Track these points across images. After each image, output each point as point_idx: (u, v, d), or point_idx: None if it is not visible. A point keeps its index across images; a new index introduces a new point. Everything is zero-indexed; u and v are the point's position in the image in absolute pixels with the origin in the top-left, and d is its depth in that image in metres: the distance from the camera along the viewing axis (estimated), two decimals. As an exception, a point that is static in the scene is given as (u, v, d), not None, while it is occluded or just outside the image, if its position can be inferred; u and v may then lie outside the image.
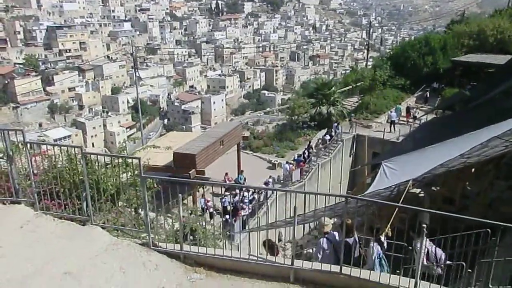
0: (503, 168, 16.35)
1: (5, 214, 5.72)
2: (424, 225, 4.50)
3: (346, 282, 4.98)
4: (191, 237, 6.14)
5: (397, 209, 8.42)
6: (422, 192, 18.37)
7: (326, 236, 7.07)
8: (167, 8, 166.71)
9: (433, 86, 34.28)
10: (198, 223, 6.51)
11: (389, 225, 7.77)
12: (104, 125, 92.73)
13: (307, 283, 5.11)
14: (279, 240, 20.96)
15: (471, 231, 5.65)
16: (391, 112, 30.00)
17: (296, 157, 26.05)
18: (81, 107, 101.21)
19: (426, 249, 7.38)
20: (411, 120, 29.91)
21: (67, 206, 5.82)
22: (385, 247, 7.80)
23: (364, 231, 7.75)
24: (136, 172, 5.95)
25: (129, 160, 6.39)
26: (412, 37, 44.87)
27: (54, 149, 5.66)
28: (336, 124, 28.61)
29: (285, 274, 5.15)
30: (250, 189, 21.58)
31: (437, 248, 7.19)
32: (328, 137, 28.00)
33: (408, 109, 30.93)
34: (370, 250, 7.30)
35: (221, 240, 7.28)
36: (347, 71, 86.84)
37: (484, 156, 10.26)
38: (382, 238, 7.78)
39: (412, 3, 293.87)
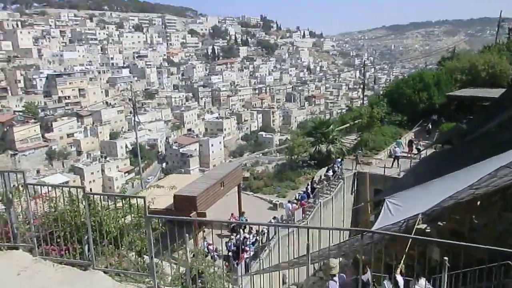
0: (509, 199, 16.11)
1: (1, 260, 5.45)
2: (446, 258, 4.26)
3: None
4: (199, 281, 5.84)
5: (408, 245, 8.14)
6: (428, 228, 18.02)
7: (333, 278, 6.80)
8: (164, 54, 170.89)
9: (432, 118, 34.47)
10: (204, 266, 6.22)
11: (402, 262, 7.46)
12: (102, 170, 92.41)
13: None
14: (284, 283, 20.29)
15: (484, 265, 5.41)
16: (395, 147, 29.91)
17: (299, 195, 25.78)
18: (79, 152, 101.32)
19: None
20: (414, 153, 29.87)
21: (67, 251, 5.56)
22: (401, 286, 7.46)
23: (376, 267, 7.46)
24: (140, 212, 5.74)
25: (132, 201, 6.20)
26: (405, 75, 45.66)
27: (55, 190, 5.48)
28: (339, 159, 28.53)
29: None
30: (252, 231, 21.14)
31: None
32: (331, 173, 27.84)
33: (410, 142, 31.02)
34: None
35: (229, 284, 6.94)
36: (343, 110, 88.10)
37: (493, 187, 10.09)
38: (398, 276, 7.44)
39: (402, 43, 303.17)
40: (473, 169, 13.77)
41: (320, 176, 28.46)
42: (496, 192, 16.08)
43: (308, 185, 27.09)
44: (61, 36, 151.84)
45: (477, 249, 5.36)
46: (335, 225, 28.75)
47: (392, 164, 28.49)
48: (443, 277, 4.46)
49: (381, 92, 52.54)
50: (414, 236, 5.10)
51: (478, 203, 17.59)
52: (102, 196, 5.96)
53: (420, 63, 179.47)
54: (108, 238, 5.62)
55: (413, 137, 32.64)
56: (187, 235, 4.88)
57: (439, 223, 18.49)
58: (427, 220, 16.05)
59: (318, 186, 26.70)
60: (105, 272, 5.41)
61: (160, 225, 5.71)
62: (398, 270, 7.14)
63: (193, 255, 6.69)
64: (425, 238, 4.97)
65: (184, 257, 6.75)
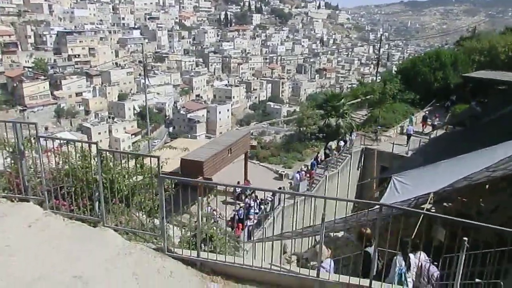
0: (518, 185, 15.94)
1: (13, 211, 5.41)
2: (465, 239, 4.14)
3: (375, 297, 4.63)
4: (210, 244, 5.81)
5: (419, 222, 8.06)
6: (433, 208, 17.96)
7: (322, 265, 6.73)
8: (176, 18, 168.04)
9: (451, 99, 33.92)
10: (214, 229, 6.19)
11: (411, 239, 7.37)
12: (110, 131, 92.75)
13: (333, 297, 4.76)
14: (284, 252, 20.53)
15: (490, 248, 5.34)
16: (408, 126, 29.60)
17: (309, 166, 26.11)
18: (87, 112, 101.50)
19: (420, 264, 7.03)
20: (428, 129, 29.72)
21: (78, 207, 5.51)
22: (413, 264, 7.35)
23: (381, 243, 7.39)
24: (151, 172, 5.64)
25: (144, 162, 6.10)
26: (421, 53, 44.59)
27: (67, 145, 5.37)
28: (352, 132, 29.16)
29: (309, 286, 4.81)
30: (257, 200, 21.23)
31: (432, 266, 6.86)
32: (342, 143, 28.42)
33: (424, 118, 30.75)
34: (394, 263, 6.93)
35: (238, 249, 6.94)
36: (353, 85, 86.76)
37: (510, 170, 9.91)
38: (411, 254, 7.28)
39: (419, 20, 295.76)
40: (487, 152, 13.56)
41: (331, 146, 28.65)
42: (504, 178, 15.91)
43: (318, 153, 27.38)
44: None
45: (482, 233, 5.27)
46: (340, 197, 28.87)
47: (407, 142, 28.32)
48: (460, 257, 4.35)
49: (394, 69, 51.59)
50: (431, 213, 4.99)
51: (487, 187, 17.46)
52: (114, 154, 5.85)
53: (436, 42, 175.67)
54: (119, 197, 5.56)
55: (427, 113, 32.31)
56: (199, 197, 4.79)
57: (445, 204, 18.43)
58: (435, 201, 15.99)
59: (335, 153, 27.25)
60: (115, 230, 5.38)
61: (172, 185, 5.61)
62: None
63: (206, 219, 6.65)
64: (443, 216, 4.83)
65: (192, 220, 6.73)
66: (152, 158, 5.20)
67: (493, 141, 14.26)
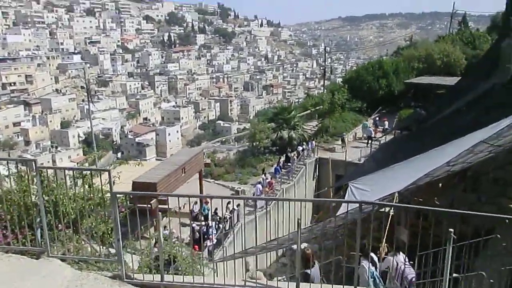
0: (469, 181, 16.52)
1: None
2: (451, 230, 3.91)
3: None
4: (172, 266, 5.20)
5: (389, 222, 7.90)
6: (392, 210, 18.16)
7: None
8: (118, 41, 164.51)
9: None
10: (177, 250, 5.60)
11: (384, 242, 7.18)
12: (54, 161, 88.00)
13: (315, 310, 4.33)
14: (247, 270, 19.91)
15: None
16: (369, 128, 30.63)
17: (275, 168, 26.77)
18: (27, 142, 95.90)
19: (395, 266, 6.94)
20: (379, 134, 30.66)
21: (16, 238, 4.74)
22: (379, 265, 7.20)
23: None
24: (101, 192, 4.98)
25: (93, 181, 5.43)
26: (364, 63, 46.32)
27: (-1, 166, 4.63)
28: (309, 140, 29.74)
29: (288, 301, 4.36)
30: (215, 219, 20.58)
31: (410, 268, 6.75)
32: (300, 148, 28.71)
33: (375, 123, 31.67)
34: (362, 269, 6.64)
35: (203, 268, 6.36)
36: (301, 99, 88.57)
37: (468, 163, 10.09)
38: (374, 256, 7.18)
39: (357, 34, 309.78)
40: (436, 152, 13.97)
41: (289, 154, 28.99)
42: (455, 175, 16.43)
43: (280, 159, 27.39)
44: (3, 18, 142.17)
45: (442, 230, 5.25)
46: (297, 211, 28.75)
47: (367, 144, 29.31)
48: (448, 250, 4.10)
49: (339, 81, 53.09)
50: (417, 207, 4.80)
51: (440, 185, 17.96)
52: (56, 172, 5.13)
53: (375, 54, 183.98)
54: (65, 222, 4.86)
55: (378, 119, 33.32)
56: (160, 213, 4.23)
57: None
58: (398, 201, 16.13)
59: (295, 158, 27.74)
60: (62, 260, 4.65)
61: (127, 203, 4.99)
62: (382, 250, 6.86)
63: (163, 240, 6.02)
64: (430, 208, 4.63)
65: (150, 243, 6.10)
66: (102, 174, 4.57)
67: (438, 142, 14.83)
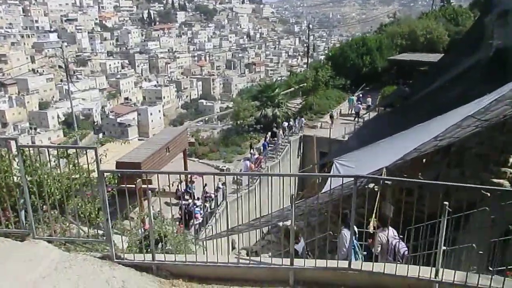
0: (453, 157, 16.73)
1: None
2: (446, 203, 3.90)
3: (356, 279, 4.24)
4: (162, 245, 5.11)
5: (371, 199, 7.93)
6: (376, 187, 18.37)
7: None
8: (96, 18, 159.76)
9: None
10: (166, 228, 5.49)
11: (374, 216, 7.19)
12: (33, 143, 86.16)
13: (310, 285, 4.30)
14: (233, 248, 20.04)
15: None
16: (357, 103, 31.04)
17: (263, 144, 27.02)
18: (4, 124, 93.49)
19: (386, 241, 7.02)
20: (363, 111, 30.98)
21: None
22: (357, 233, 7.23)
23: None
24: (86, 171, 4.79)
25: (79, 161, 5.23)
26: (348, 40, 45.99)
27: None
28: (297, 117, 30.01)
29: (282, 277, 4.32)
30: (200, 198, 20.59)
31: (400, 242, 6.83)
32: (286, 123, 28.94)
33: (359, 100, 31.92)
34: (342, 238, 6.69)
35: (194, 246, 6.29)
36: (283, 78, 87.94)
37: (455, 138, 10.16)
38: (355, 227, 7.23)
39: (340, 11, 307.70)
40: (420, 128, 14.08)
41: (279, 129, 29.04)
42: (438, 152, 16.61)
43: (266, 135, 27.85)
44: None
45: (425, 205, 5.33)
46: (283, 188, 28.87)
47: (354, 118, 29.88)
48: (442, 222, 4.10)
49: (322, 59, 52.82)
50: (410, 180, 4.75)
51: (424, 161, 18.17)
52: (39, 151, 4.90)
53: (357, 31, 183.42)
54: (51, 203, 4.68)
55: (361, 96, 33.48)
56: (149, 192, 4.10)
57: (386, 182, 18.94)
58: (374, 181, 16.31)
59: (281, 134, 27.87)
60: (48, 242, 4.50)
61: (115, 182, 4.83)
62: (371, 225, 6.89)
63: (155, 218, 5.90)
64: (424, 181, 4.61)
65: (138, 223, 5.99)
66: (88, 152, 4.38)
67: (423, 118, 14.93)
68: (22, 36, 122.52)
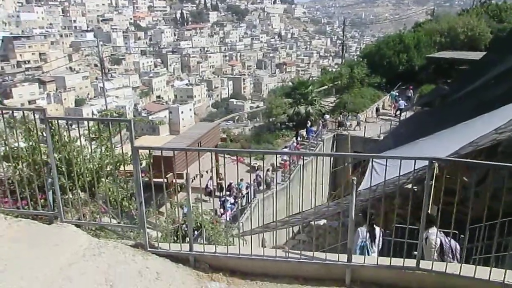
0: (499, 157, 15.63)
1: None
2: None
3: (424, 280, 3.63)
4: (198, 235, 4.64)
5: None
6: (415, 188, 17.46)
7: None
8: (130, 18, 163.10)
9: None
10: (204, 218, 5.02)
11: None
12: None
13: (368, 285, 3.72)
14: (263, 247, 19.50)
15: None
16: (399, 99, 30.10)
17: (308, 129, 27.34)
18: (42, 120, 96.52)
19: (439, 241, 6.57)
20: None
21: (25, 200, 4.19)
22: (378, 238, 6.69)
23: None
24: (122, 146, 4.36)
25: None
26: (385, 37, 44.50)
27: (3, 119, 4.03)
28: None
29: (338, 275, 3.75)
30: (232, 193, 20.29)
31: (451, 239, 6.27)
32: (327, 116, 28.96)
33: (395, 99, 31.00)
34: (356, 235, 6.43)
35: (233, 239, 5.81)
36: (315, 78, 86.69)
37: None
38: (377, 228, 6.73)
39: (372, 11, 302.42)
40: (466, 125, 13.21)
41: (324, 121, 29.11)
42: (481, 152, 15.56)
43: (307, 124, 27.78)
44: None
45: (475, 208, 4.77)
46: (314, 188, 28.17)
47: (396, 114, 28.83)
48: (498, 225, 3.51)
49: (355, 59, 51.65)
50: (489, 163, 4.18)
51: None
52: (68, 124, 4.48)
53: (390, 31, 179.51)
54: (80, 184, 4.29)
55: (397, 94, 32.38)
56: (187, 173, 3.62)
57: (414, 187, 17.95)
58: (412, 181, 15.48)
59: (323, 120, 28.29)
60: (77, 226, 4.09)
61: (151, 162, 4.39)
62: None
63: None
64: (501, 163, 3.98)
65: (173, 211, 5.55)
66: (121, 124, 3.93)
67: (466, 117, 14.10)
68: (61, 36, 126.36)
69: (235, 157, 28.45)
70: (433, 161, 3.85)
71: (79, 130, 3.95)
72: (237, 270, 3.87)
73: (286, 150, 24.87)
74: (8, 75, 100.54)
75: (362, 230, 6.54)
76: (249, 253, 3.82)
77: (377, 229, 6.64)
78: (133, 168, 3.66)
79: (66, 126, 4.43)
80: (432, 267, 3.59)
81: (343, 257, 3.72)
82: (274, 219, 12.00)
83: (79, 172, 4.18)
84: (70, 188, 4.21)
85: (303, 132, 28.42)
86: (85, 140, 4.48)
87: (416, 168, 9.56)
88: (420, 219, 7.28)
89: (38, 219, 4.18)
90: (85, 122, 4.15)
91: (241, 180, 21.89)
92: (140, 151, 6.85)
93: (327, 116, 28.43)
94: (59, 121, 4.31)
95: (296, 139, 27.15)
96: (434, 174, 8.71)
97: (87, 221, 4.26)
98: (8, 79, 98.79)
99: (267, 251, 3.84)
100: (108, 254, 3.74)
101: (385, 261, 3.70)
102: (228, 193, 20.18)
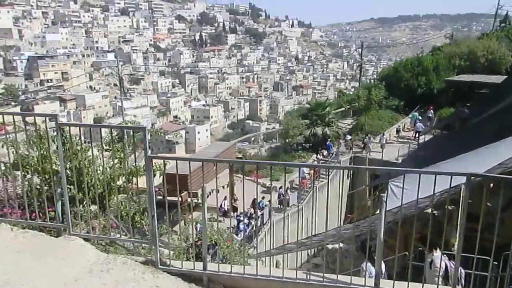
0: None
1: None
2: None
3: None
4: (211, 253, 4.37)
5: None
6: (436, 212, 16.93)
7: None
8: (150, 40, 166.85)
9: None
10: (219, 236, 4.77)
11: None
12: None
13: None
14: (277, 268, 19.03)
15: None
16: (417, 122, 29.69)
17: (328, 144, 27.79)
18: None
19: (444, 266, 6.42)
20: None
21: (33, 212, 4.01)
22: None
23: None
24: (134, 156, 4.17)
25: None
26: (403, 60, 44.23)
27: (14, 122, 3.90)
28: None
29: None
30: (247, 215, 19.98)
31: (452, 262, 6.05)
32: (349, 137, 28.98)
33: (414, 121, 30.56)
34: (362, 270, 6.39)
35: (247, 259, 5.53)
36: (331, 100, 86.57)
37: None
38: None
39: (390, 36, 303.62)
40: (489, 149, 12.82)
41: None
42: (510, 174, 15.04)
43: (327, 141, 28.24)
44: (43, 17, 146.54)
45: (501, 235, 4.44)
46: (330, 210, 27.63)
47: (414, 137, 28.53)
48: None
49: (372, 80, 51.42)
50: None
51: (491, 185, 16.54)
52: (80, 130, 4.32)
53: (407, 55, 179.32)
54: (91, 196, 4.10)
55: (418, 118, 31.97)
56: (205, 185, 3.40)
57: (447, 207, 17.40)
58: (434, 205, 15.02)
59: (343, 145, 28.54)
60: (85, 240, 3.88)
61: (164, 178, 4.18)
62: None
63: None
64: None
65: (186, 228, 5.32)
66: (135, 133, 3.75)
67: (487, 141, 13.71)
68: (83, 56, 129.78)
69: (252, 177, 28.30)
70: (471, 177, 3.53)
71: (91, 139, 3.79)
72: (254, 292, 3.59)
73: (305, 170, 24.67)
74: (31, 93, 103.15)
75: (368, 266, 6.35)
76: (267, 274, 3.54)
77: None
78: (146, 178, 3.46)
79: (79, 134, 4.27)
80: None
81: (371, 282, 3.41)
82: (291, 241, 11.67)
83: (90, 183, 4.00)
84: (80, 199, 4.02)
85: (324, 151, 28.20)
86: (98, 151, 4.32)
87: (441, 191, 9.17)
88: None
89: (46, 231, 3.99)
90: (99, 133, 3.99)
91: (263, 198, 21.72)
92: (154, 166, 6.67)
93: (349, 137, 28.11)
94: (72, 131, 4.14)
95: (317, 156, 27.23)
96: (462, 195, 8.32)
97: (97, 234, 4.05)
98: (30, 97, 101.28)
99: (287, 273, 3.55)
100: (117, 270, 3.51)
101: (402, 285, 3.38)
102: (241, 212, 19.89)
